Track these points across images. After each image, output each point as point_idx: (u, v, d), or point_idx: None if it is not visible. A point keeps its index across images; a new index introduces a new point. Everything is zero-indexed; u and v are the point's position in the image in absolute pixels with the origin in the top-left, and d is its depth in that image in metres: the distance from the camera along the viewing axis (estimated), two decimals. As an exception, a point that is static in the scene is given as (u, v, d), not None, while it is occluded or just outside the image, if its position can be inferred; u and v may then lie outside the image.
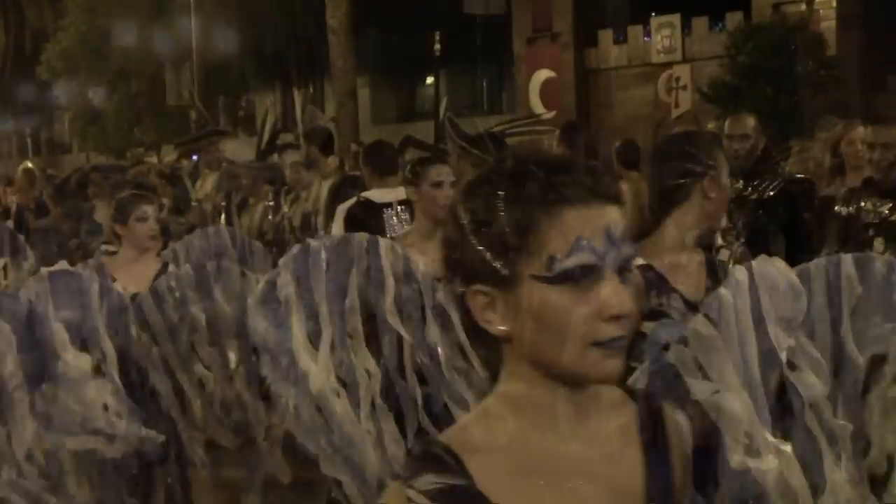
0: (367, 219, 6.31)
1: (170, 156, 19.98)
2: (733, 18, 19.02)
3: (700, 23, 20.45)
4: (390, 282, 3.95)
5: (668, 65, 20.56)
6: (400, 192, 6.37)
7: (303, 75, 29.44)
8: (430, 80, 29.84)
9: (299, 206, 8.59)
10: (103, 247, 6.28)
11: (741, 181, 6.16)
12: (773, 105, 15.64)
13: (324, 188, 8.13)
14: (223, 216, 9.41)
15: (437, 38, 6.69)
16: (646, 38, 21.04)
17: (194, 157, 10.60)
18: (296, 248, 3.85)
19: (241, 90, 28.21)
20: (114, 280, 5.02)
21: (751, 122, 6.24)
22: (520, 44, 22.31)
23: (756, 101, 15.54)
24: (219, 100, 28.11)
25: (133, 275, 5.23)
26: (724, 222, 6.16)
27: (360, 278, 3.93)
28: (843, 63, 16.44)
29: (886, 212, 5.53)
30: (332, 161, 8.45)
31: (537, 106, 20.33)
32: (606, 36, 21.59)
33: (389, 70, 28.62)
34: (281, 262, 3.82)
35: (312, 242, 3.87)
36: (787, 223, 6.01)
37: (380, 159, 6.56)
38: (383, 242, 4.01)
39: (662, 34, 20.60)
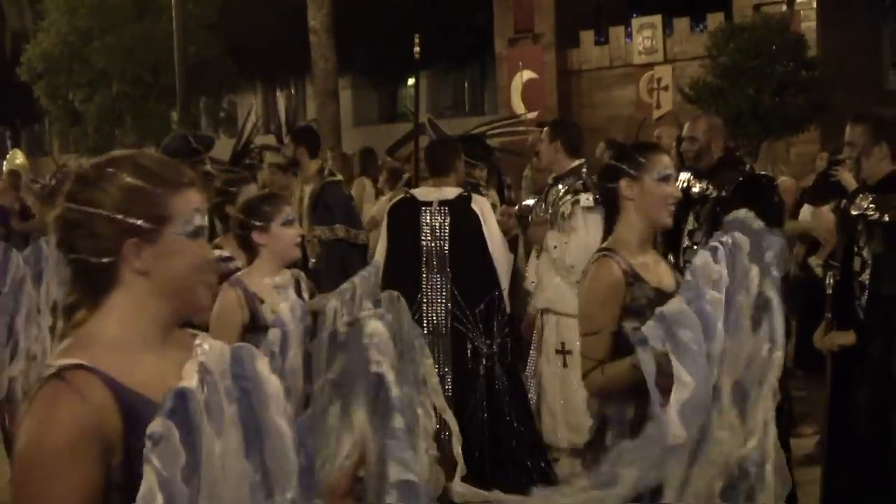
0: (406, 216, 6.35)
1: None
2: (714, 19, 19.07)
3: (681, 24, 20.49)
4: None
5: (650, 65, 20.59)
6: (445, 193, 6.36)
7: (284, 76, 29.39)
8: (412, 81, 29.83)
9: None
10: (216, 250, 5.44)
11: (705, 181, 6.21)
12: (755, 105, 15.66)
13: (305, 192, 8.10)
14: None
15: (417, 40, 6.63)
16: (627, 40, 21.06)
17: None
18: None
19: (222, 90, 28.11)
20: (261, 302, 4.36)
21: (701, 125, 6.33)
22: (501, 45, 22.32)
23: (737, 102, 15.58)
24: (200, 100, 28.03)
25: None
26: (692, 223, 6.22)
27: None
28: (823, 64, 16.47)
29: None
30: (314, 165, 8.41)
31: (519, 107, 20.30)
32: (588, 37, 21.61)
33: (371, 71, 28.58)
34: None
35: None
36: None
37: (434, 159, 6.59)
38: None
39: (644, 35, 20.63)
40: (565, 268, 6.64)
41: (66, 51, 25.88)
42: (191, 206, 2.09)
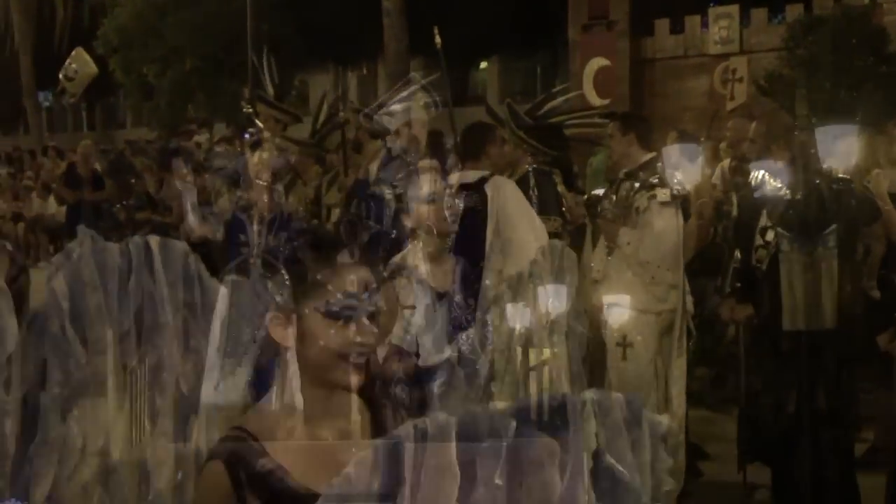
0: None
1: (222, 133, 20.05)
2: (793, 10, 18.74)
3: (759, 14, 20.18)
4: None
5: (725, 56, 20.32)
6: (466, 176, 6.20)
7: (356, 57, 29.43)
8: (483, 64, 29.75)
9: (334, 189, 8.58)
10: None
11: (778, 180, 6.13)
12: (832, 99, 15.38)
13: (371, 170, 8.09)
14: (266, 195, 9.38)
15: (437, 31, 6.58)
16: (703, 29, 20.80)
17: (246, 136, 10.51)
18: None
19: (294, 70, 28.21)
20: None
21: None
22: (575, 31, 22.13)
23: (813, 96, 15.30)
24: (272, 79, 28.15)
25: None
26: (764, 220, 6.13)
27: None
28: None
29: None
30: (376, 143, 8.41)
31: (591, 94, 20.16)
32: (663, 25, 21.37)
33: (444, 54, 28.50)
34: None
35: None
36: None
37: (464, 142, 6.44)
38: None
39: (720, 25, 20.35)
40: (639, 263, 6.57)
41: (140, 25, 26.15)
42: None
